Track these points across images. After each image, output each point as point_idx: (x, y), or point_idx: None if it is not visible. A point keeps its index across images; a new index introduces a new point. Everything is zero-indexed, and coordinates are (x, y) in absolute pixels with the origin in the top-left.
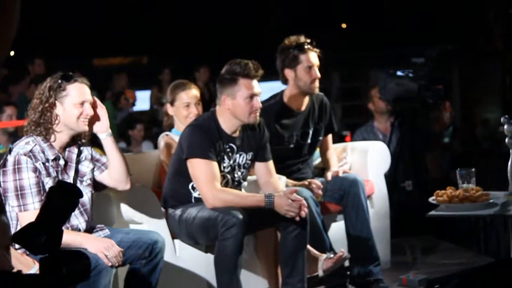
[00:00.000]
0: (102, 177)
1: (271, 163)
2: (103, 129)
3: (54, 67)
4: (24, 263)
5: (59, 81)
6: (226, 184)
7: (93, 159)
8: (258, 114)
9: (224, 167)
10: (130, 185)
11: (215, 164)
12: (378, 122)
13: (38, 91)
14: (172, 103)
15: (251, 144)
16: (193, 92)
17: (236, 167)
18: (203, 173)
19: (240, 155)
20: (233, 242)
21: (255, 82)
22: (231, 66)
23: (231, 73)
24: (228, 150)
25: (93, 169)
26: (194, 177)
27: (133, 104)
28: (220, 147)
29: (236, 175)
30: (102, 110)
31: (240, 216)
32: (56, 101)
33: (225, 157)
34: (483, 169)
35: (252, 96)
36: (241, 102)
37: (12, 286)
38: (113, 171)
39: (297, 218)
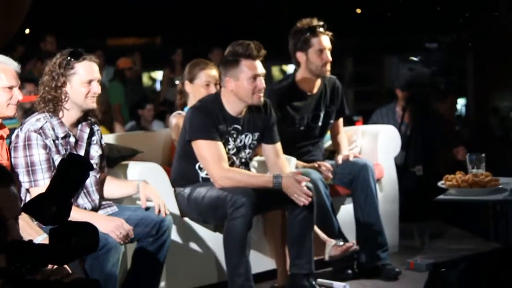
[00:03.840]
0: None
1: (278, 145)
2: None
3: (67, 46)
4: (35, 229)
5: (68, 58)
6: (232, 165)
7: (101, 147)
8: (262, 94)
9: (229, 149)
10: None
11: (220, 144)
12: (400, 107)
13: (48, 67)
14: (191, 81)
15: (257, 125)
16: (213, 72)
17: (242, 148)
18: (209, 154)
19: (246, 135)
20: (242, 221)
21: (258, 62)
22: (234, 47)
23: (233, 54)
24: (233, 132)
25: (101, 155)
26: (201, 158)
27: (136, 68)
28: (224, 129)
29: (242, 156)
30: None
31: (249, 196)
32: (65, 79)
33: (230, 139)
34: (495, 156)
35: (255, 76)
36: (244, 83)
37: (22, 255)
38: (108, 190)
39: (301, 204)
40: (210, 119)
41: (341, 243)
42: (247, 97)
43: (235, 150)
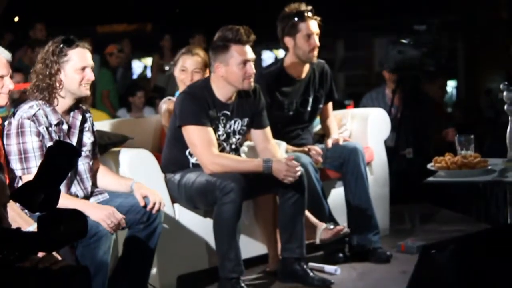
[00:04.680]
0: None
1: (268, 129)
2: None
3: (57, 34)
4: (25, 218)
5: (61, 45)
6: (222, 151)
7: (94, 133)
8: (252, 80)
9: (219, 135)
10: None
11: (210, 129)
12: (390, 90)
13: (40, 55)
14: (175, 65)
15: (246, 110)
16: (194, 58)
17: (231, 134)
18: (199, 139)
19: (236, 121)
20: (231, 207)
21: (247, 47)
22: (223, 32)
23: (223, 39)
24: (222, 118)
25: (93, 142)
26: (190, 143)
27: (123, 55)
28: (214, 115)
29: (232, 142)
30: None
31: (238, 181)
32: (59, 67)
33: (219, 125)
34: (484, 138)
35: (245, 62)
36: (234, 69)
37: (11, 242)
38: (102, 182)
39: (288, 181)
40: (200, 104)
41: (332, 226)
42: (237, 82)
43: (225, 136)
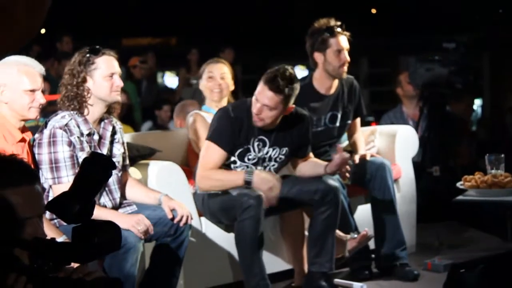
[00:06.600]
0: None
1: (310, 156)
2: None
3: (83, 46)
4: (54, 231)
5: (87, 55)
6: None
7: (123, 145)
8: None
9: (248, 159)
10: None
11: (224, 155)
12: (406, 107)
13: (67, 67)
14: (201, 77)
15: (286, 139)
16: (218, 65)
17: (267, 160)
18: (206, 155)
19: (274, 149)
20: (250, 223)
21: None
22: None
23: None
24: (258, 143)
25: (123, 153)
26: (200, 155)
27: (147, 67)
28: (247, 137)
29: (264, 167)
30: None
31: (258, 198)
32: (86, 75)
33: (251, 149)
34: (508, 156)
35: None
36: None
37: (45, 252)
38: (130, 194)
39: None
40: (233, 128)
41: (355, 235)
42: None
43: (255, 160)
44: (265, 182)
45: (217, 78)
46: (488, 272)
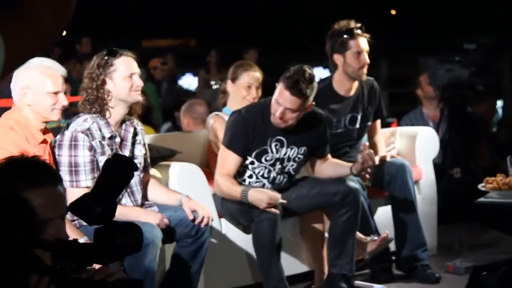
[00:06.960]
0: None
1: (328, 157)
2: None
3: (103, 48)
4: (76, 232)
5: (106, 57)
6: (269, 174)
7: (145, 146)
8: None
9: (266, 159)
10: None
11: (238, 159)
12: (427, 108)
13: (87, 71)
14: (233, 81)
15: (304, 139)
16: (257, 74)
17: (286, 160)
18: (221, 160)
19: (292, 148)
20: (267, 224)
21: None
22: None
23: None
24: (276, 143)
25: (144, 155)
26: (218, 160)
27: (166, 68)
28: (263, 138)
29: (283, 167)
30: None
31: None
32: (105, 78)
33: (269, 150)
34: None
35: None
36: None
37: (68, 254)
38: (152, 194)
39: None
40: (247, 131)
41: (376, 237)
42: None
43: (273, 161)
44: (258, 202)
45: (254, 89)
46: (510, 275)
